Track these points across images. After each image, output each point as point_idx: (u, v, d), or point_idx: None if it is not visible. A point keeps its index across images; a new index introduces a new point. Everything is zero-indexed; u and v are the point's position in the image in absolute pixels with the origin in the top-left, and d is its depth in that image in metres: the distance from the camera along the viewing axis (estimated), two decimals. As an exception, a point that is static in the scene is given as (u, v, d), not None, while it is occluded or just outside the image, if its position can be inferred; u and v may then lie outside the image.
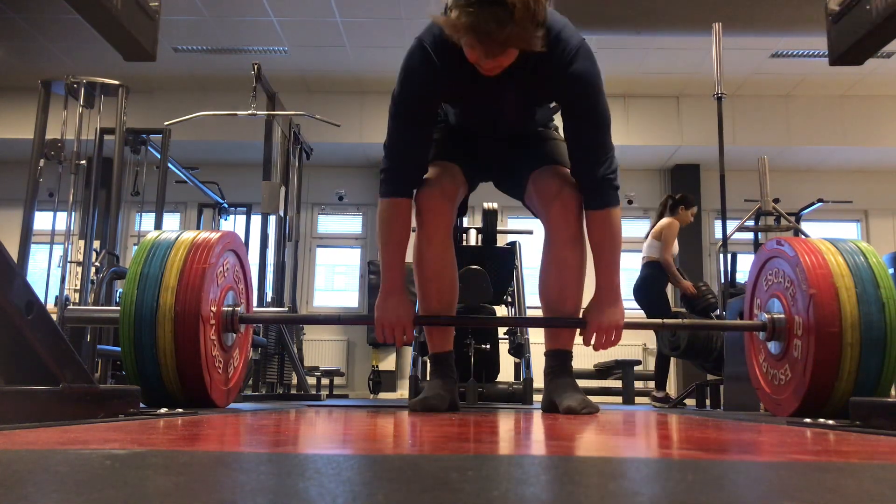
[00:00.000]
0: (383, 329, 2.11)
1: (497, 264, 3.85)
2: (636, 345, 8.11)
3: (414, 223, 2.20)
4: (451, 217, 2.24)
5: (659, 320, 2.38)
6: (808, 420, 1.73)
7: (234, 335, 2.23)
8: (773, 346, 2.18)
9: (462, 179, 2.25)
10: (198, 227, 7.53)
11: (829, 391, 1.93)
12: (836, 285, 1.95)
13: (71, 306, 4.30)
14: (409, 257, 2.23)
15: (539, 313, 2.34)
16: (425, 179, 2.16)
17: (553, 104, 2.24)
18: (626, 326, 2.13)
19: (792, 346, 2.06)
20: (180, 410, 1.74)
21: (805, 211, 6.12)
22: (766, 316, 2.15)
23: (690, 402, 4.97)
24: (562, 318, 2.19)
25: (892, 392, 2.06)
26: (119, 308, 2.00)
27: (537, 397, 2.89)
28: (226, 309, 2.16)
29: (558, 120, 2.18)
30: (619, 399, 6.47)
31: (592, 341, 2.12)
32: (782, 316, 2.11)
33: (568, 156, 2.12)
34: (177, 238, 2.09)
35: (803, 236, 5.33)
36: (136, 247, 2.14)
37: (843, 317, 1.91)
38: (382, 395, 7.59)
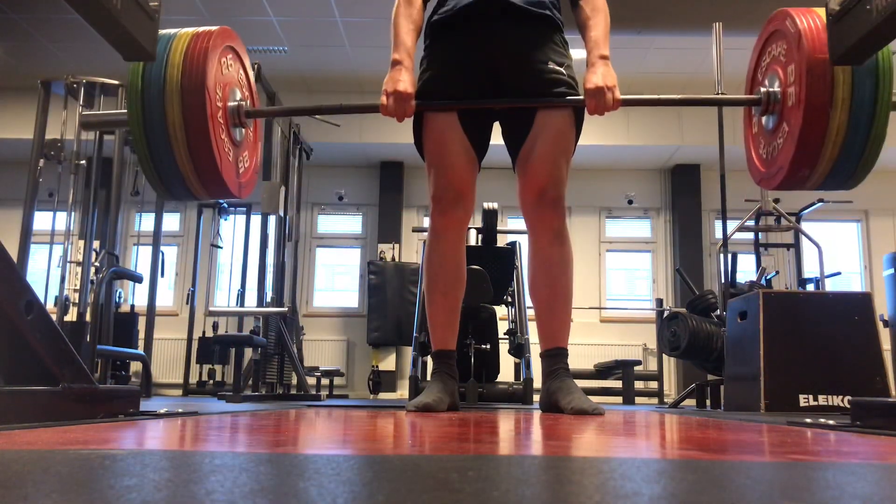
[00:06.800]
0: (388, 98, 2.18)
1: (497, 264, 3.85)
2: (636, 345, 8.11)
3: (425, 236, 2.24)
4: (468, 217, 2.28)
5: (656, 96, 2.34)
6: (808, 420, 1.73)
7: (243, 131, 2.23)
8: (767, 121, 2.17)
9: (473, 161, 2.24)
10: (198, 227, 7.52)
11: (815, 158, 1.92)
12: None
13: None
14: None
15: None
16: (440, 210, 2.20)
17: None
18: (625, 103, 2.09)
19: (783, 120, 2.06)
20: (180, 410, 1.74)
21: (805, 211, 6.12)
22: (763, 90, 2.14)
23: (690, 402, 4.97)
24: (564, 99, 2.14)
25: (893, 392, 2.06)
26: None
27: (537, 397, 2.89)
28: (231, 104, 2.15)
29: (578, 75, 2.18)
30: (619, 399, 6.47)
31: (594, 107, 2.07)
32: (777, 90, 2.10)
33: None
34: (175, 33, 2.10)
35: (804, 237, 5.34)
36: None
37: (836, 86, 1.85)
38: (382, 396, 7.59)
